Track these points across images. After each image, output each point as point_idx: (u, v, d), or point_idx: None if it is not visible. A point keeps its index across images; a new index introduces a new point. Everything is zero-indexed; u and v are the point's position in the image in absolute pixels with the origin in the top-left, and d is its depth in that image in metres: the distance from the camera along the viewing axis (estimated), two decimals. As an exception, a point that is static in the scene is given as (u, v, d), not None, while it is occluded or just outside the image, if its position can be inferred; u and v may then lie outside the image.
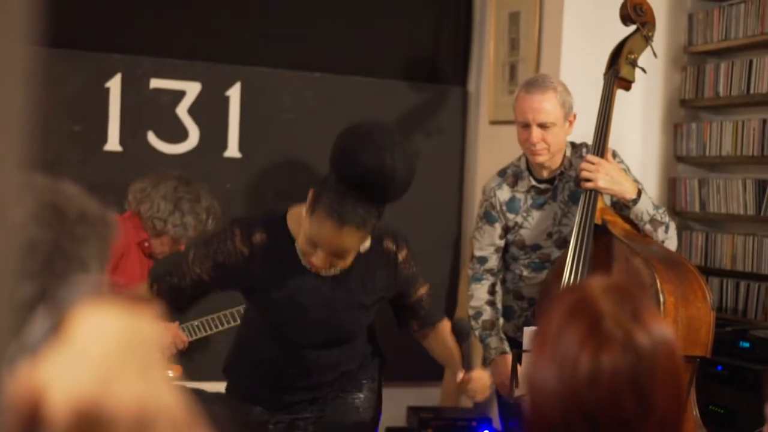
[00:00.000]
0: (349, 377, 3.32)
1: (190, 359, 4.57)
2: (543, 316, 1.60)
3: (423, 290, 3.33)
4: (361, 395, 3.36)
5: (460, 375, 3.20)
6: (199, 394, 3.74)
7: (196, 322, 4.40)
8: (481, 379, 3.23)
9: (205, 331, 4.42)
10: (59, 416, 0.80)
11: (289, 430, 3.28)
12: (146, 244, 4.21)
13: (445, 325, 3.40)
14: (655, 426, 1.51)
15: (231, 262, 3.07)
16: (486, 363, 4.04)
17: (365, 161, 2.81)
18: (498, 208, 4.02)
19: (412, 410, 5.27)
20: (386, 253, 3.18)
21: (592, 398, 1.47)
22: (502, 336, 4.03)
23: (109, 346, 0.84)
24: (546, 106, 3.84)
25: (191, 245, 3.27)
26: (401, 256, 3.21)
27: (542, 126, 3.83)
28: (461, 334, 3.25)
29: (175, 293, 3.14)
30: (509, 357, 3.89)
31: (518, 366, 3.40)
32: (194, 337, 4.39)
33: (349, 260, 3.03)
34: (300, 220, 3.00)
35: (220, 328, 4.47)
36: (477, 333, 4.06)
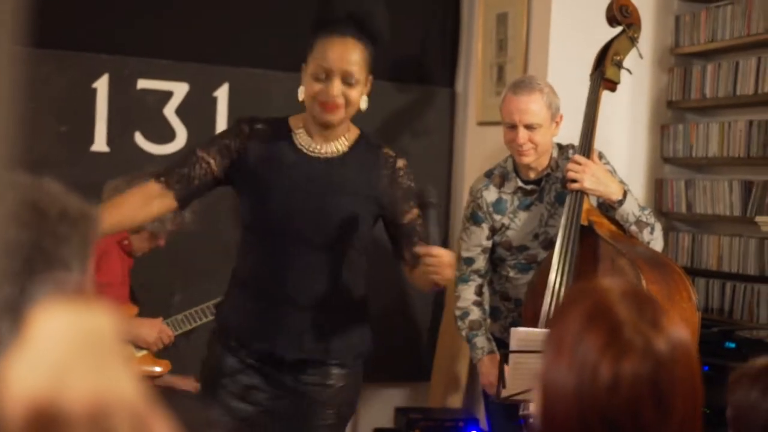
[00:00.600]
0: (335, 330, 3.22)
1: (178, 352, 4.54)
2: (558, 320, 1.59)
3: (416, 211, 3.32)
4: (337, 374, 3.25)
5: (420, 248, 3.00)
6: (170, 391, 3.74)
7: (180, 316, 4.37)
8: (441, 255, 2.98)
9: (190, 324, 4.37)
10: (15, 417, 0.80)
11: (260, 390, 3.21)
12: (126, 242, 4.19)
13: None
14: (673, 426, 1.52)
15: (234, 144, 3.20)
16: (473, 363, 4.05)
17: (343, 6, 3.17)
18: (485, 209, 4.03)
19: (400, 411, 5.28)
20: (386, 157, 3.29)
21: (611, 405, 1.48)
22: (489, 336, 4.03)
23: (63, 344, 0.84)
24: (532, 107, 3.85)
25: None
26: (400, 162, 3.30)
27: (529, 127, 3.84)
28: (426, 203, 3.09)
29: (184, 182, 3.20)
30: (496, 357, 3.90)
31: (505, 367, 3.40)
32: (179, 331, 4.36)
33: (357, 92, 3.15)
34: (295, 119, 3.26)
35: (204, 320, 4.44)
36: (464, 333, 4.07)
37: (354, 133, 3.29)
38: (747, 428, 2.32)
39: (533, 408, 1.58)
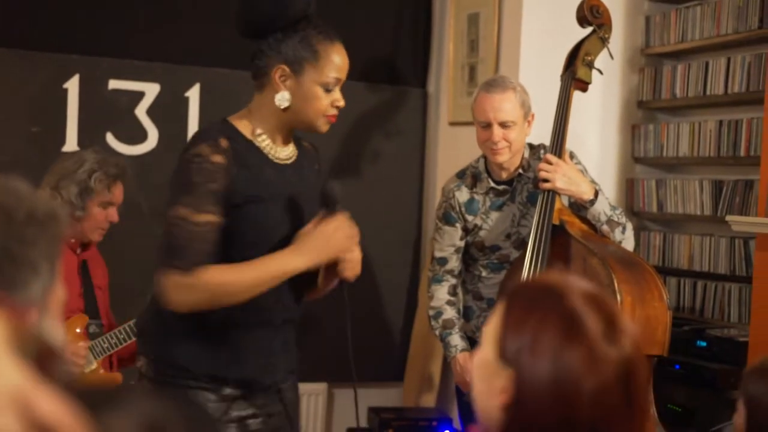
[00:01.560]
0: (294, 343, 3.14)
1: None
2: (526, 323, 1.62)
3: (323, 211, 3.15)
4: (294, 387, 3.19)
5: (313, 222, 2.93)
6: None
7: (102, 340, 4.13)
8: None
9: (112, 347, 4.02)
10: None
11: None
12: (72, 241, 4.07)
13: None
14: (637, 424, 1.62)
15: (219, 184, 2.86)
16: (446, 363, 4.05)
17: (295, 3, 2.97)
18: (457, 209, 4.03)
19: (373, 411, 5.28)
20: (312, 151, 3.18)
21: (592, 411, 1.57)
22: (463, 334, 4.04)
23: None
24: (506, 105, 3.86)
25: (176, 204, 2.88)
26: (317, 154, 3.22)
27: (503, 125, 3.85)
28: (329, 198, 2.93)
29: (210, 255, 2.84)
30: (468, 355, 3.92)
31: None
32: (101, 357, 4.09)
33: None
34: (243, 124, 2.99)
35: (128, 340, 4.05)
36: (437, 332, 4.07)
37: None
38: (764, 420, 2.45)
39: (494, 400, 1.64)
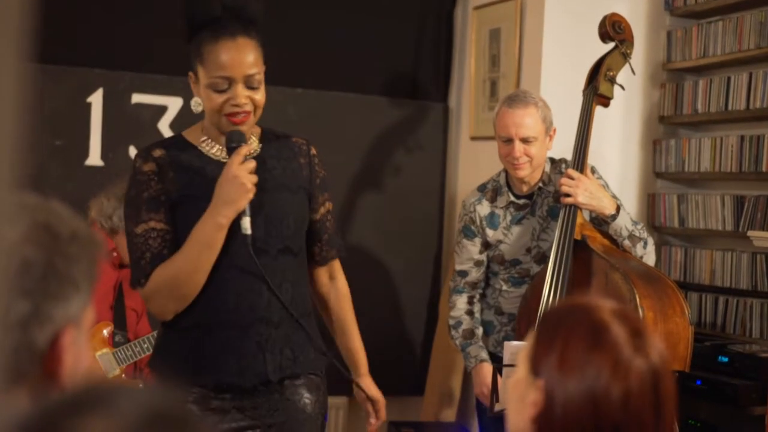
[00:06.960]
0: (292, 351, 3.03)
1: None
2: (555, 340, 1.71)
3: (329, 205, 3.18)
4: (308, 396, 3.08)
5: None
6: None
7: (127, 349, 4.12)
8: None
9: (136, 356, 4.10)
10: None
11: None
12: (115, 254, 4.08)
13: (343, 286, 3.25)
14: (664, 427, 1.71)
15: (154, 189, 2.92)
16: (466, 377, 4.06)
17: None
18: (478, 223, 4.05)
19: (393, 425, 5.28)
20: (298, 145, 3.13)
21: (622, 416, 1.66)
22: (482, 345, 4.05)
23: None
24: (528, 121, 3.87)
25: (124, 220, 3.03)
26: (313, 149, 3.15)
27: (525, 140, 3.86)
28: (231, 140, 2.92)
29: (161, 258, 2.92)
30: (488, 366, 3.92)
31: (498, 380, 3.41)
32: (122, 365, 4.07)
33: (261, 94, 2.94)
34: (194, 132, 3.03)
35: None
36: (457, 342, 4.09)
37: (257, 129, 3.10)
38: None
39: (525, 414, 1.72)
